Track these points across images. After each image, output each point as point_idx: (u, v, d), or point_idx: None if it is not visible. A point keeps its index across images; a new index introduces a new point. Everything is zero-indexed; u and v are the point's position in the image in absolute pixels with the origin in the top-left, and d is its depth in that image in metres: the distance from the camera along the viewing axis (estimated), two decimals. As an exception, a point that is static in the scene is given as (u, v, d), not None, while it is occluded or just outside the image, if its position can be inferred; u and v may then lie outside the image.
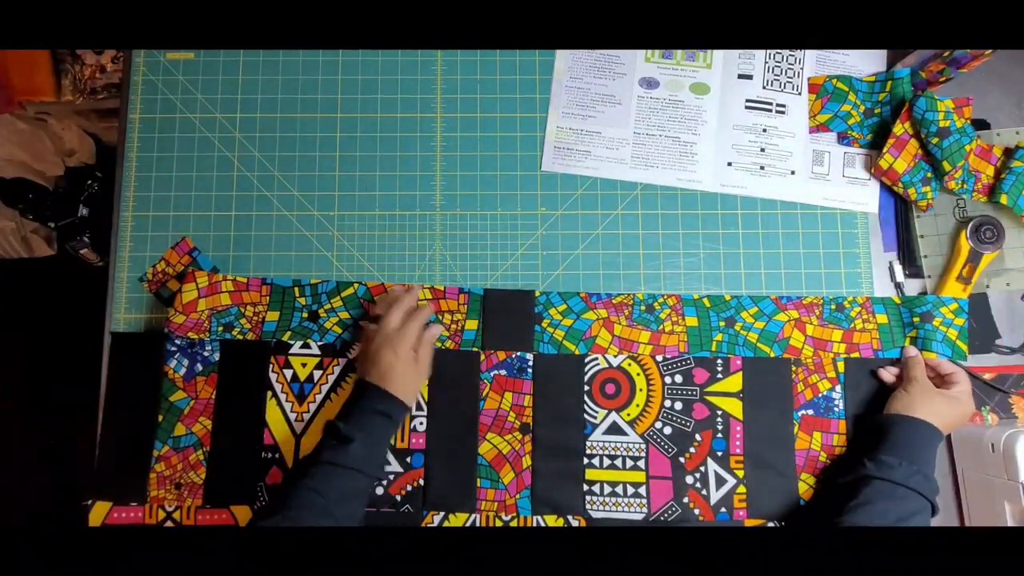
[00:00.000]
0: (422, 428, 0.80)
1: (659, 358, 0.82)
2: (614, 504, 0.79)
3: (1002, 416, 0.83)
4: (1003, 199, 0.82)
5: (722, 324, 0.83)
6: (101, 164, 1.47)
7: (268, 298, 0.82)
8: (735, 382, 0.81)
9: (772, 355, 0.82)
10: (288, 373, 0.81)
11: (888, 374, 0.81)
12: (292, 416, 0.80)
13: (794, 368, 0.82)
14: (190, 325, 0.79)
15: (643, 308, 0.83)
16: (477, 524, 0.78)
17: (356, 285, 0.83)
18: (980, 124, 0.87)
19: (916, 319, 0.82)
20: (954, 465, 0.81)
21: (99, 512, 0.77)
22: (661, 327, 0.82)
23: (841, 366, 0.82)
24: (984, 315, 0.84)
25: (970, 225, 0.83)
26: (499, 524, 0.78)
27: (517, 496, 0.79)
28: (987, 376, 0.83)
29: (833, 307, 0.83)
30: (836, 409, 0.81)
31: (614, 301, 0.83)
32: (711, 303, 0.83)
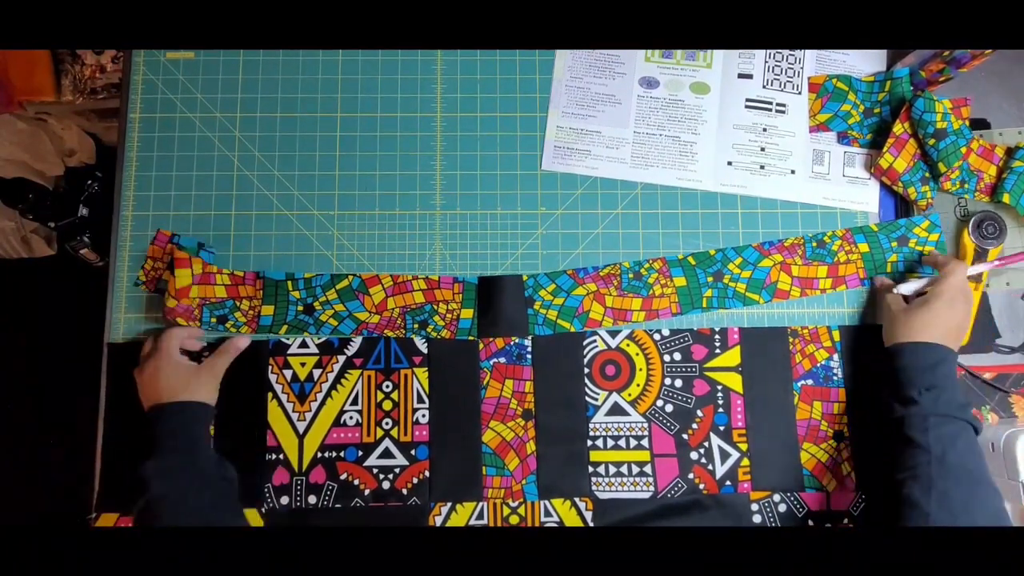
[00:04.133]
0: (424, 420, 0.80)
1: (657, 337, 0.82)
2: (620, 484, 0.79)
3: (1002, 415, 0.83)
4: (1006, 198, 0.82)
5: (710, 279, 0.83)
6: (101, 164, 1.46)
7: (262, 292, 0.82)
8: (733, 356, 0.82)
9: (762, 302, 0.83)
10: (288, 373, 0.81)
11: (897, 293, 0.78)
12: (294, 416, 0.80)
13: (791, 339, 0.82)
14: (180, 311, 0.79)
15: (631, 276, 0.83)
16: (484, 512, 0.78)
17: (351, 277, 0.83)
18: (980, 123, 0.87)
19: (894, 243, 0.83)
20: (954, 464, 0.81)
21: (105, 524, 0.77)
22: (651, 292, 0.83)
23: (836, 335, 0.82)
24: (984, 315, 0.84)
25: (971, 221, 0.83)
26: (507, 511, 0.78)
27: (523, 482, 0.79)
28: (987, 376, 0.83)
29: (815, 244, 0.84)
30: (835, 378, 0.82)
31: (601, 274, 0.83)
32: (696, 260, 0.84)
